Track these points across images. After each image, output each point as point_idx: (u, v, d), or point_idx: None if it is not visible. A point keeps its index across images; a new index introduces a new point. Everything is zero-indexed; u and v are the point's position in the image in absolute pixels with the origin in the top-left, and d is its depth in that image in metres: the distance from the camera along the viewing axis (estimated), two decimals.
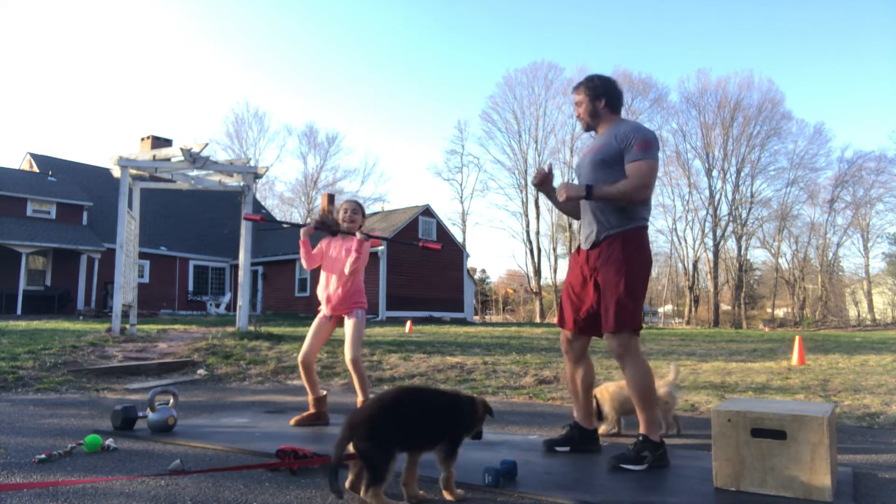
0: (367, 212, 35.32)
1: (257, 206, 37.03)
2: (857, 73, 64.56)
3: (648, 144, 3.13)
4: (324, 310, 4.30)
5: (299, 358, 4.24)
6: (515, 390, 6.12)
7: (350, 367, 4.15)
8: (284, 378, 7.05)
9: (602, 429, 3.84)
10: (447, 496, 2.47)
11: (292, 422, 4.15)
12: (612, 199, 3.12)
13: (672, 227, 46.37)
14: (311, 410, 4.22)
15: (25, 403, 5.13)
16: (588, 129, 3.44)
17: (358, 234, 4.19)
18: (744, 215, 43.93)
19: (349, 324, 4.20)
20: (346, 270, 4.16)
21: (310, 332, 4.30)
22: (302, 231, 4.31)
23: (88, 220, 25.71)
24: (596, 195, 3.12)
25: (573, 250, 3.54)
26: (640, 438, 3.06)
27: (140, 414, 3.94)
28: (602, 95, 3.33)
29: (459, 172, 52.36)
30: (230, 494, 2.55)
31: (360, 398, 4.17)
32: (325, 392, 4.33)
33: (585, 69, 55.20)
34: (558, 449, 3.40)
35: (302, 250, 4.31)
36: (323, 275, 4.33)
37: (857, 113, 66.40)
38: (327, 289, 4.26)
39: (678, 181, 44.79)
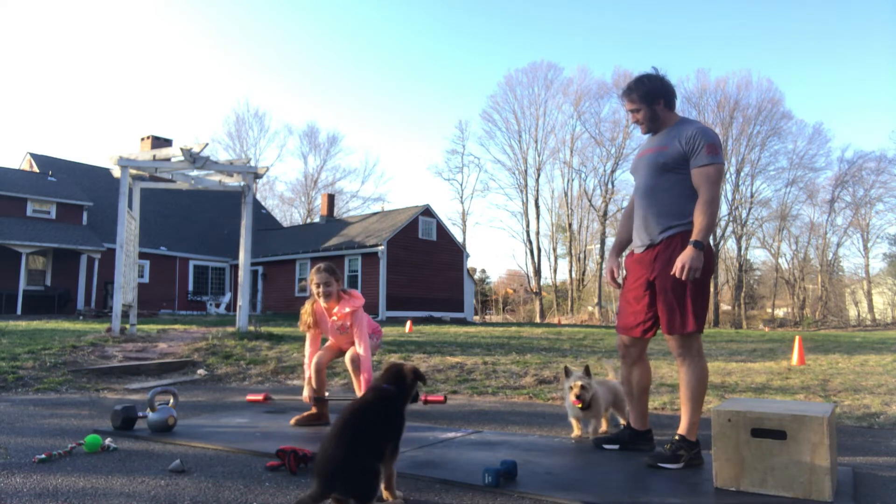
0: (368, 212, 35.31)
1: (257, 206, 37.03)
2: (857, 73, 64.66)
3: (716, 148, 3.04)
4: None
5: (314, 363, 4.22)
6: (515, 390, 6.12)
7: (359, 362, 4.21)
8: (284, 378, 7.05)
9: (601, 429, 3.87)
10: (387, 496, 2.41)
11: (292, 421, 4.15)
12: (710, 225, 2.98)
13: None
14: (312, 410, 4.22)
15: (25, 403, 5.13)
16: (649, 132, 3.32)
17: (349, 362, 4.15)
18: (743, 215, 43.99)
19: (356, 324, 4.25)
20: (361, 350, 4.15)
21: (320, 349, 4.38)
22: (305, 398, 4.29)
23: (88, 220, 25.71)
24: (704, 241, 2.97)
25: (628, 253, 3.44)
26: (678, 438, 3.06)
27: (140, 414, 3.95)
28: (659, 97, 3.22)
29: (460, 172, 52.40)
30: (230, 494, 2.55)
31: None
32: (328, 394, 4.35)
33: (586, 69, 55.38)
34: (607, 447, 3.43)
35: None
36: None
37: (857, 113, 66.50)
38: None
39: None
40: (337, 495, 2.18)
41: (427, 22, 77.23)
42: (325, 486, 2.16)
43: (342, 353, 4.35)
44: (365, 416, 2.40)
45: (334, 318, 4.20)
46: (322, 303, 4.18)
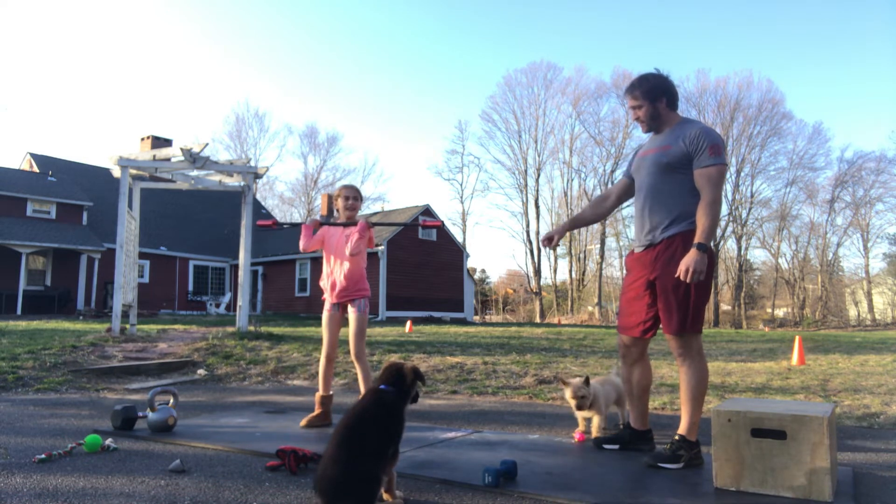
0: (368, 211, 35.41)
1: (257, 206, 37.02)
2: (857, 72, 64.53)
3: (719, 149, 3.04)
4: (328, 298, 4.32)
5: (323, 353, 4.28)
6: (515, 390, 6.12)
7: (355, 361, 4.20)
8: (284, 378, 7.05)
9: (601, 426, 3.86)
10: (387, 498, 2.42)
11: (302, 423, 4.14)
12: (713, 227, 2.98)
13: None
14: (318, 410, 4.22)
15: (25, 403, 5.13)
16: (649, 131, 3.33)
17: (361, 221, 4.24)
18: (744, 215, 43.97)
19: (353, 318, 4.23)
20: (348, 251, 4.19)
21: (324, 330, 4.34)
22: (308, 220, 4.38)
23: (88, 220, 25.71)
24: (706, 243, 2.96)
25: (628, 253, 3.48)
26: (678, 438, 3.07)
27: (140, 414, 3.95)
28: (662, 95, 3.23)
29: (460, 172, 52.36)
30: (230, 494, 2.55)
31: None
32: (332, 392, 4.35)
33: (584, 69, 55.48)
34: (607, 447, 3.43)
35: (303, 233, 4.35)
36: (325, 263, 4.37)
37: (856, 113, 66.43)
38: (331, 275, 4.30)
39: None
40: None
41: (427, 22, 77.25)
42: (329, 499, 2.19)
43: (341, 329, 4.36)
44: (365, 423, 2.39)
45: (347, 232, 4.27)
46: (343, 217, 4.35)
